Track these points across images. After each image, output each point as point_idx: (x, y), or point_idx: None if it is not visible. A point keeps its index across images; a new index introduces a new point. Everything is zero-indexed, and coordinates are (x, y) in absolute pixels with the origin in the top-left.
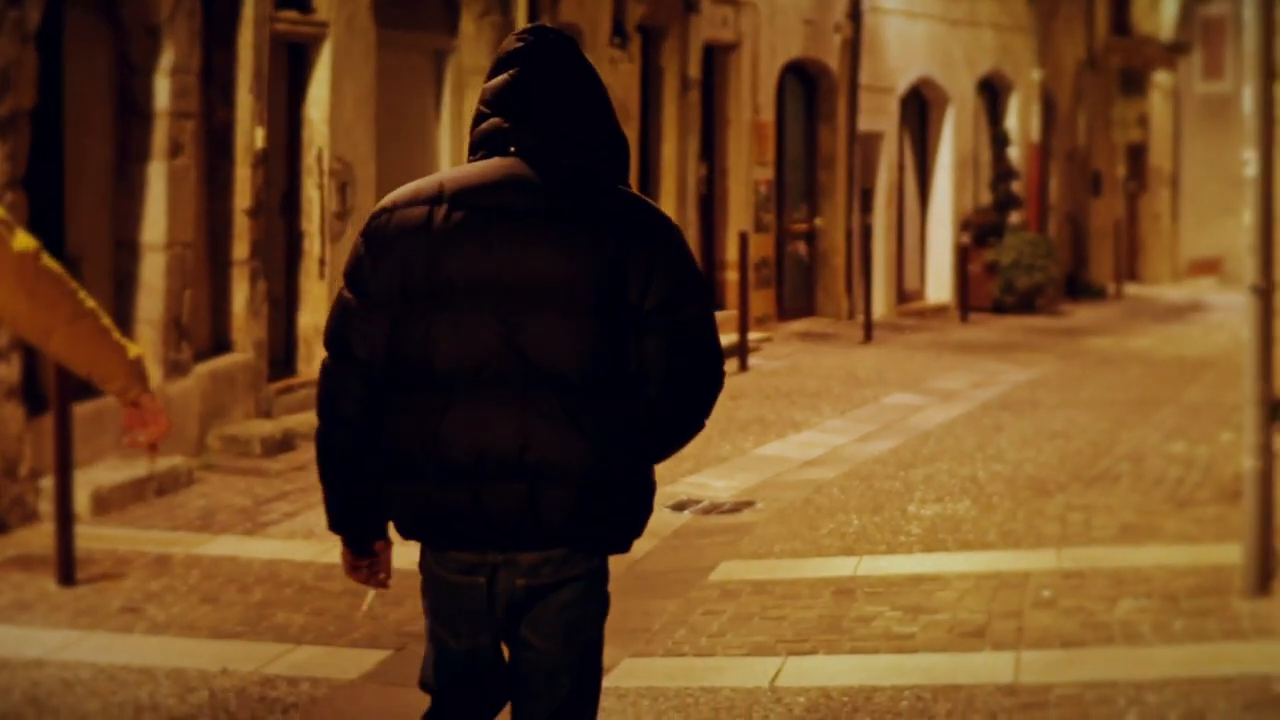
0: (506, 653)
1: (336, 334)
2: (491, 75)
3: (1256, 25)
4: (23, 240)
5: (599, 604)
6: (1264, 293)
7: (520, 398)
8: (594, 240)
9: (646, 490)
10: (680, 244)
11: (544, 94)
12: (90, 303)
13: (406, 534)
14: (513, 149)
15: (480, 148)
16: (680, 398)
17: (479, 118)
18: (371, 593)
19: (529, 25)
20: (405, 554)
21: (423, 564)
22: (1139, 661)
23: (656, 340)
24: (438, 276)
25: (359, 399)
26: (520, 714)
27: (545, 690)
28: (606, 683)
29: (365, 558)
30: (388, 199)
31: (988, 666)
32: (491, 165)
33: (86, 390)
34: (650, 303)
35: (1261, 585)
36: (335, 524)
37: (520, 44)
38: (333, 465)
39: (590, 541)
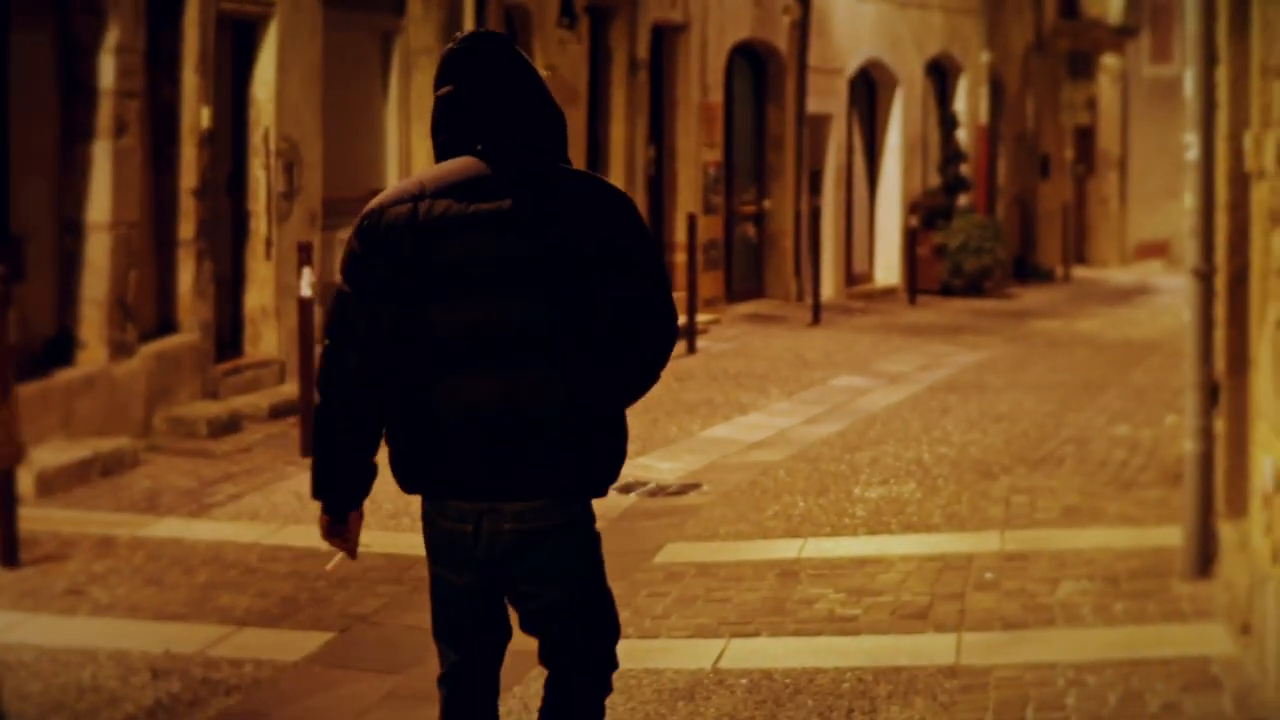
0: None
1: (336, 321)
2: (438, 81)
3: (1197, 9)
4: None
5: (587, 543)
6: (1205, 276)
7: (505, 363)
8: (558, 220)
9: (620, 437)
10: (631, 210)
11: (486, 100)
12: None
13: (408, 488)
14: (479, 147)
15: (445, 149)
16: (641, 350)
17: (436, 124)
18: (339, 555)
19: (467, 33)
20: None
21: (424, 515)
22: (1079, 643)
23: (618, 300)
24: (427, 263)
25: (357, 376)
26: (550, 659)
27: (562, 631)
28: None
29: (343, 524)
30: (375, 202)
31: (929, 648)
32: (461, 164)
33: (31, 371)
34: (611, 267)
35: (1201, 568)
36: (322, 491)
37: (457, 52)
38: (329, 436)
39: (570, 488)
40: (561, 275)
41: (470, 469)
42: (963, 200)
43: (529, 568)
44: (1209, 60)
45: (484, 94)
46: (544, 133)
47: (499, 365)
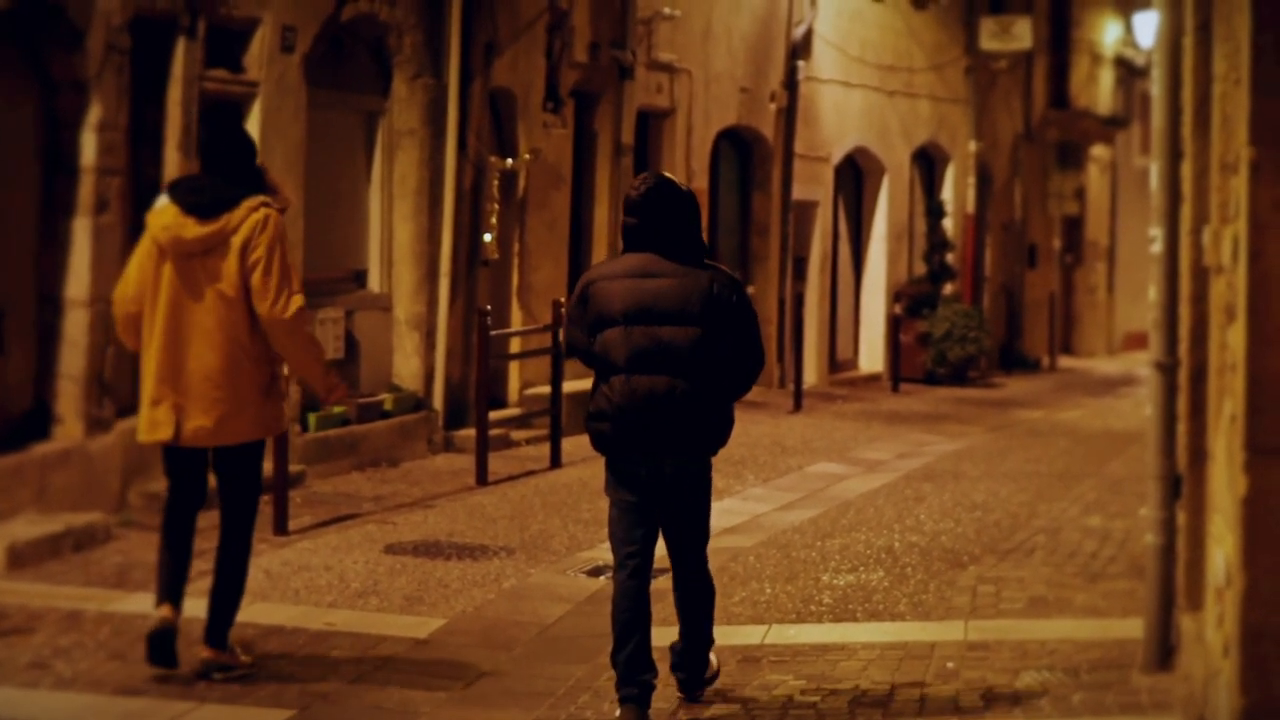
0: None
1: (569, 342)
2: (626, 211)
3: (1164, 104)
4: None
5: (707, 479)
6: (1168, 369)
7: (661, 373)
8: (698, 292)
9: (729, 420)
10: (743, 292)
11: (659, 227)
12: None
13: (601, 451)
14: (652, 248)
15: (630, 247)
16: (744, 371)
17: (626, 236)
18: None
19: (646, 176)
20: (321, 615)
21: (610, 465)
22: None
23: (732, 341)
24: (615, 314)
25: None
26: (672, 545)
27: (683, 527)
28: None
29: None
30: (591, 273)
31: None
32: (641, 256)
33: (7, 444)
34: (730, 323)
35: (1162, 660)
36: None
37: (638, 197)
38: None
39: (701, 449)
40: (700, 323)
41: (647, 439)
42: (948, 289)
43: (677, 490)
44: (1174, 155)
45: (656, 224)
46: (691, 243)
47: (659, 376)
